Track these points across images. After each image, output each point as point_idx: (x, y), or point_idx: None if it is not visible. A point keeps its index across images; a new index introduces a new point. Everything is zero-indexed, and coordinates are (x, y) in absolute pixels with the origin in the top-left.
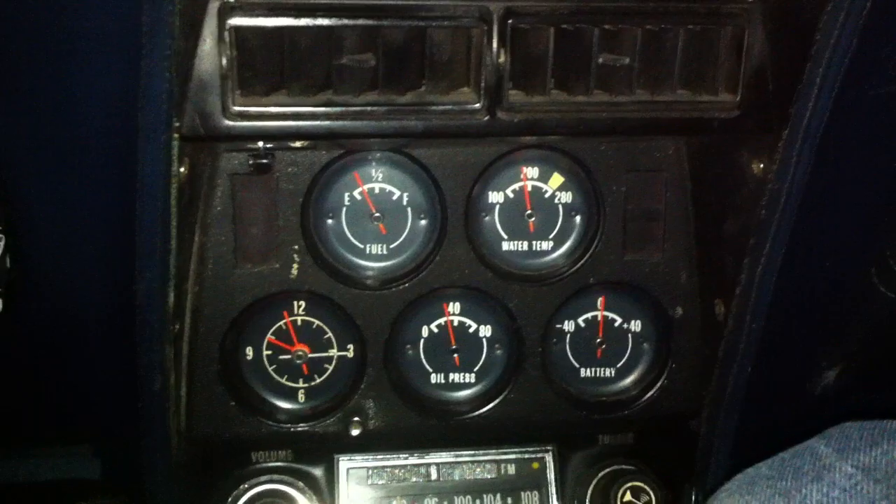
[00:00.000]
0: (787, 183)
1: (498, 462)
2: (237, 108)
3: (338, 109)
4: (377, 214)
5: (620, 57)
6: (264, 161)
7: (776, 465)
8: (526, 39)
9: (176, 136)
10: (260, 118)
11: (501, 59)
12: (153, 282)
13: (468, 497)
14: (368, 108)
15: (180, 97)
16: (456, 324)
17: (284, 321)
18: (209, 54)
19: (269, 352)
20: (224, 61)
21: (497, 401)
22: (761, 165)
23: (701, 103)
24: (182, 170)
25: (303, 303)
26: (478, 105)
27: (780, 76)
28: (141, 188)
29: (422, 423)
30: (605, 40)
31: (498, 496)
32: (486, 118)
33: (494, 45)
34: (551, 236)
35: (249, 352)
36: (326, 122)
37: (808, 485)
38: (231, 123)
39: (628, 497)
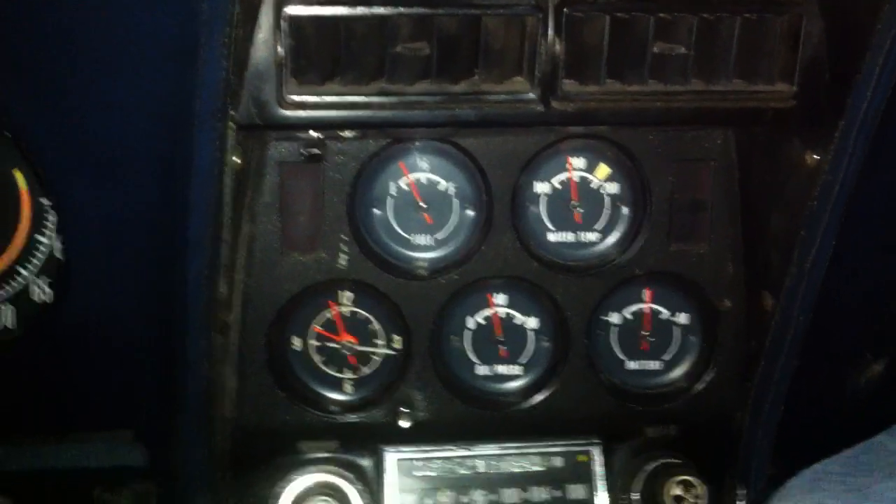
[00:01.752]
0: (840, 174)
1: (544, 454)
2: (292, 97)
3: (391, 99)
4: (423, 205)
5: (676, 46)
6: (316, 150)
7: (845, 461)
8: (580, 28)
9: (231, 124)
10: (314, 107)
11: (556, 49)
12: (202, 270)
13: (515, 489)
14: (422, 98)
15: (236, 86)
16: (502, 315)
17: (331, 311)
18: (265, 43)
19: (317, 343)
20: (280, 50)
21: (543, 392)
22: (815, 156)
23: (756, 93)
24: (236, 159)
25: (349, 293)
26: (532, 94)
27: (837, 66)
28: (195, 177)
29: (468, 415)
30: (661, 29)
31: (544, 488)
32: (541, 107)
33: (549, 33)
34: (598, 227)
35: (297, 342)
36: (380, 112)
37: (883, 481)
38: (286, 112)
39: (677, 491)
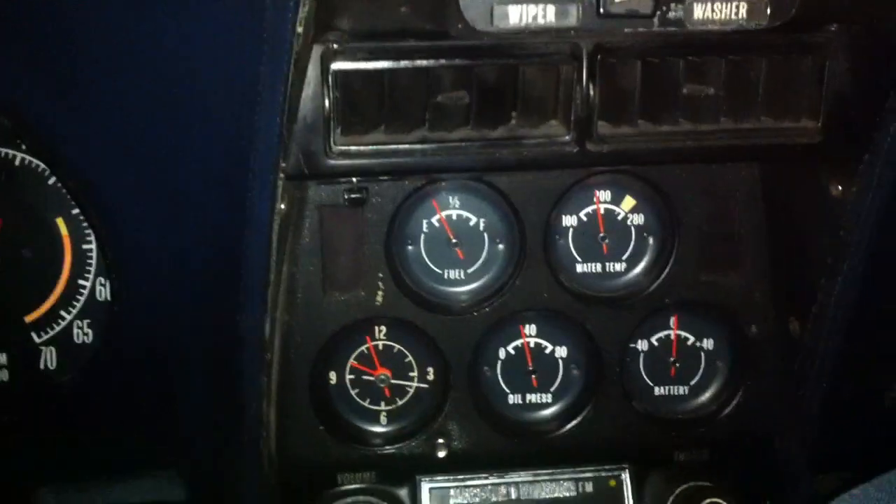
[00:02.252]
0: (866, 204)
1: (576, 480)
2: (338, 148)
3: (433, 146)
4: (455, 240)
5: (705, 87)
6: (358, 195)
7: (884, 486)
8: (614, 73)
9: (281, 175)
10: (359, 156)
11: (591, 93)
12: (255, 312)
13: None
14: (462, 144)
15: (286, 139)
16: (532, 345)
17: (367, 346)
18: (313, 97)
19: (352, 376)
20: (327, 103)
21: (577, 420)
22: (840, 188)
23: (783, 129)
24: (282, 206)
25: (384, 328)
26: (567, 137)
27: (861, 103)
28: (249, 226)
29: (503, 444)
30: (690, 71)
31: None
32: (576, 149)
33: (584, 79)
34: (624, 258)
35: (333, 376)
36: (422, 158)
37: None
38: (332, 162)
39: None
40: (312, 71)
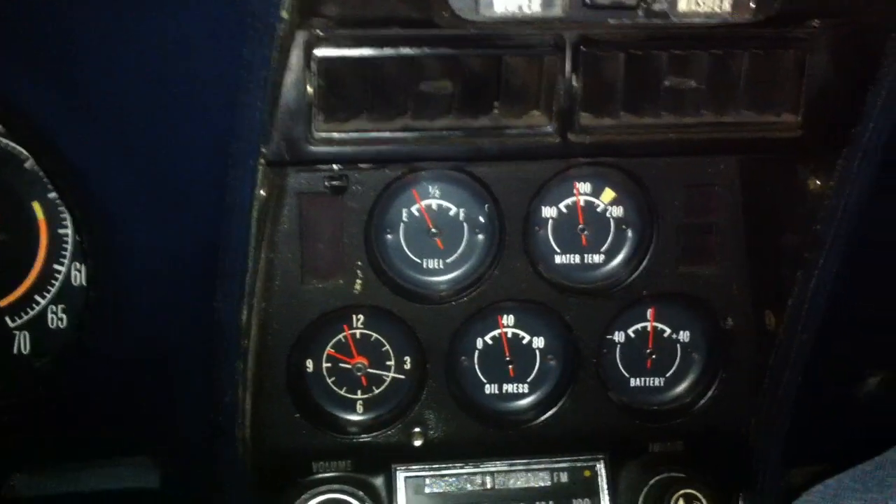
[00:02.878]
0: (843, 199)
1: (551, 470)
2: (320, 134)
3: (415, 134)
4: (434, 230)
5: (688, 80)
6: (339, 183)
7: (860, 476)
8: (597, 65)
9: (262, 161)
10: (341, 143)
11: (574, 84)
12: (232, 299)
13: None
14: (444, 133)
15: (268, 125)
16: (510, 335)
17: (344, 334)
18: (295, 83)
19: (329, 364)
20: (310, 90)
21: (553, 410)
22: (818, 182)
23: (764, 124)
24: (262, 192)
25: (361, 316)
26: (550, 128)
27: (842, 98)
28: (228, 213)
29: (480, 433)
30: (673, 64)
31: (551, 503)
32: (558, 140)
33: (567, 70)
34: (603, 249)
35: (310, 364)
36: (404, 146)
37: None
38: (314, 149)
39: None
40: (296, 57)
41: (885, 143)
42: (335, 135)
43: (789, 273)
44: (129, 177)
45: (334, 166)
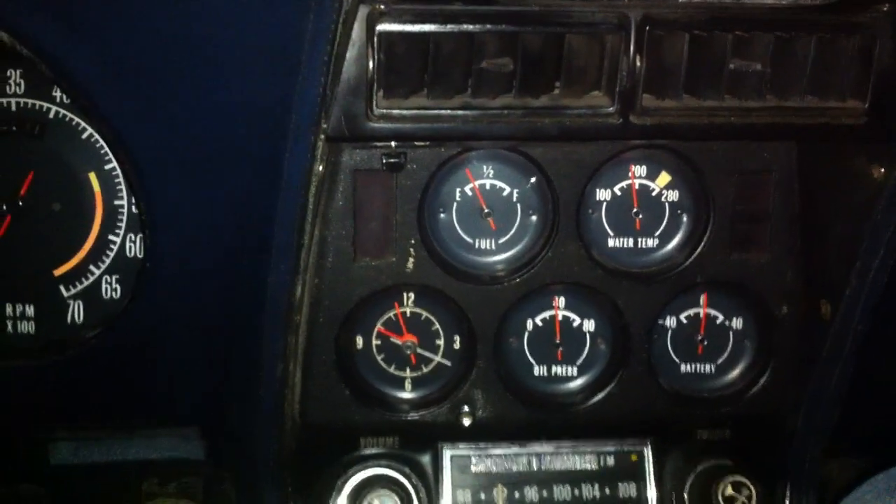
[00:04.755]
0: None
1: (598, 454)
2: (380, 111)
3: (475, 112)
4: (487, 210)
5: (752, 63)
6: (396, 160)
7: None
8: (661, 45)
9: (322, 137)
10: (400, 120)
11: (636, 65)
12: (285, 274)
13: (567, 486)
14: (504, 112)
15: (329, 100)
16: (560, 318)
17: (394, 312)
18: (357, 58)
19: (378, 341)
20: (371, 65)
21: (602, 394)
22: (882, 170)
23: (829, 109)
24: (320, 168)
25: (412, 295)
26: (611, 109)
27: None
28: (286, 186)
29: (527, 415)
30: (737, 47)
31: (596, 486)
32: (619, 122)
33: (631, 50)
34: (657, 234)
35: (359, 341)
36: (463, 125)
37: None
38: (373, 125)
39: (730, 492)
40: (357, 32)
41: None
42: (395, 111)
43: (847, 263)
44: (184, 146)
45: (392, 143)
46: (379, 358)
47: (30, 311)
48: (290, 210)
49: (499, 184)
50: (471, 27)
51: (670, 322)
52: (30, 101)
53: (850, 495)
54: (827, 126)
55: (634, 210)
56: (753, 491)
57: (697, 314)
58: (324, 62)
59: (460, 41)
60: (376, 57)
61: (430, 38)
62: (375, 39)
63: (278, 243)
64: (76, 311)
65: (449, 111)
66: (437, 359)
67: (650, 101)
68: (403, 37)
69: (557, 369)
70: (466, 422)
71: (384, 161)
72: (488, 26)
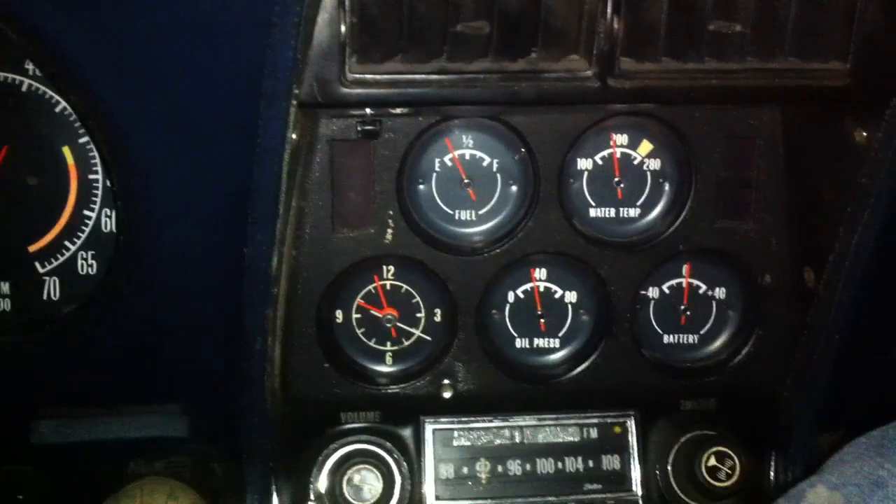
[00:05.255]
0: (891, 152)
1: (581, 426)
2: (353, 76)
3: (451, 77)
4: (467, 180)
5: (732, 24)
6: (371, 127)
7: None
8: (639, 6)
9: (294, 102)
10: (374, 85)
11: (615, 26)
12: (263, 245)
13: (550, 459)
14: (481, 76)
15: (301, 65)
16: (542, 289)
17: (374, 285)
18: (329, 21)
19: (359, 315)
20: (343, 29)
21: (584, 365)
22: (865, 134)
23: (811, 71)
24: (294, 136)
25: (392, 267)
26: (589, 72)
27: (892, 45)
28: (260, 155)
29: (509, 387)
30: (718, 7)
31: (580, 459)
32: (598, 85)
33: (608, 12)
34: (639, 203)
35: (339, 315)
36: (439, 90)
37: None
38: (347, 90)
39: (713, 462)
40: None
41: None
42: (368, 76)
43: (831, 229)
44: (157, 113)
45: (367, 110)
46: (359, 331)
47: (5, 287)
48: (265, 179)
49: (479, 154)
50: None
51: (653, 292)
52: (2, 75)
53: (831, 458)
54: (809, 88)
55: (616, 179)
56: (737, 461)
57: (680, 284)
58: (294, 24)
59: (435, 4)
60: (348, 20)
61: (405, 1)
62: (347, 2)
63: (254, 213)
64: (52, 288)
65: (424, 76)
66: (418, 333)
67: (629, 64)
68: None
69: (540, 341)
70: (447, 395)
71: (359, 128)
72: None
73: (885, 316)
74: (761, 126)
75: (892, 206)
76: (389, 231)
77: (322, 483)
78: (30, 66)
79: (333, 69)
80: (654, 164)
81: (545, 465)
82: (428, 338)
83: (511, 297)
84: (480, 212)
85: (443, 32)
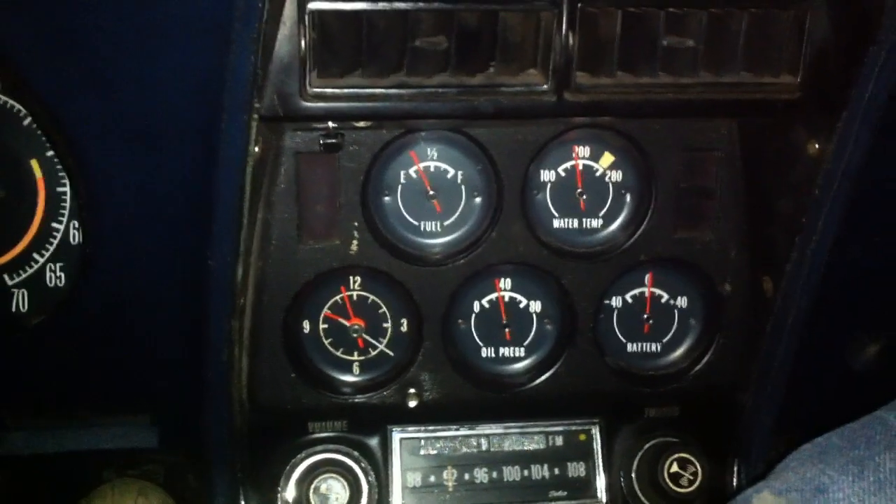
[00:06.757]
0: (842, 163)
1: (546, 433)
2: (314, 90)
3: (411, 91)
4: (432, 192)
5: (685, 39)
6: (333, 140)
7: (847, 434)
8: (594, 22)
9: (255, 116)
10: (335, 99)
11: (570, 42)
12: (226, 257)
13: (517, 467)
14: (439, 90)
15: (261, 79)
16: (507, 299)
17: (341, 295)
18: (289, 37)
19: (325, 325)
20: (303, 44)
21: (549, 374)
22: (817, 146)
23: (763, 85)
24: (256, 149)
25: (358, 278)
26: (546, 86)
27: (841, 59)
28: (221, 167)
29: (475, 396)
30: (671, 23)
31: (545, 466)
32: (554, 99)
33: (564, 27)
34: (601, 214)
35: (306, 325)
36: (399, 103)
37: (882, 453)
38: (307, 104)
39: (675, 468)
40: (289, 9)
41: (884, 105)
42: (329, 90)
43: (787, 238)
44: (116, 125)
45: (329, 124)
46: (326, 342)
47: None
48: (228, 191)
49: (443, 166)
50: (404, 5)
51: (616, 301)
52: None
53: (778, 465)
54: (762, 102)
55: (579, 190)
56: (699, 467)
57: (643, 293)
58: (253, 39)
59: (394, 19)
60: (308, 35)
61: (364, 17)
62: (307, 17)
63: (217, 225)
64: (20, 300)
65: (384, 90)
66: (382, 347)
67: (585, 79)
68: (336, 15)
69: (505, 350)
70: (413, 403)
71: (321, 142)
72: (421, 4)
73: (841, 322)
74: (719, 138)
75: (845, 216)
76: (355, 242)
77: (290, 492)
78: None
79: (294, 83)
80: (616, 175)
81: (511, 473)
82: (394, 348)
83: (476, 306)
84: (445, 223)
85: (402, 47)
